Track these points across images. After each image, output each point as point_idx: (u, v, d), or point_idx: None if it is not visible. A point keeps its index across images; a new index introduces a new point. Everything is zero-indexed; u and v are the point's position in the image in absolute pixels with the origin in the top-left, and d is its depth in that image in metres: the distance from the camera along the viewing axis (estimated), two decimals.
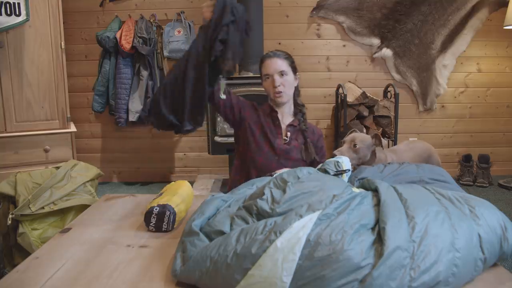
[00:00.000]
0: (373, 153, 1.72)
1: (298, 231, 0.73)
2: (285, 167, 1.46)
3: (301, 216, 0.76)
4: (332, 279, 0.67)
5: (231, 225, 0.85)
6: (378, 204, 0.83)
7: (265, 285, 0.69)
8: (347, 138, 1.73)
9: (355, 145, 1.67)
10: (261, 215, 0.85)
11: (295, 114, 1.67)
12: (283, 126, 1.62)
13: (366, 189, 0.97)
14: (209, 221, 0.88)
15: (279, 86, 1.57)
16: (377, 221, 0.77)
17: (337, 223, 0.74)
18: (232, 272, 0.72)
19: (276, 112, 1.62)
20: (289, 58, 1.62)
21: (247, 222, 0.84)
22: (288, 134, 1.62)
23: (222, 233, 0.83)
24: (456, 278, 0.72)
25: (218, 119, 2.88)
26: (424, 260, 0.70)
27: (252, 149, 1.56)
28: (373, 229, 0.76)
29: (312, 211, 0.78)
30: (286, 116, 1.65)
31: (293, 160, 1.57)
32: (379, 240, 0.72)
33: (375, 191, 0.91)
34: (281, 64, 1.59)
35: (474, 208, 0.86)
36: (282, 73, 1.58)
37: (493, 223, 0.83)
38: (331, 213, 0.77)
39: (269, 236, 0.73)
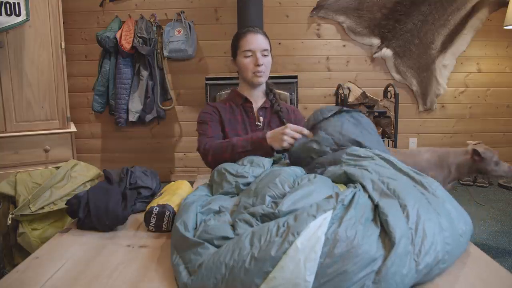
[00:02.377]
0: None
1: (316, 230, 0.74)
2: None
3: (314, 216, 0.77)
4: (353, 273, 0.69)
5: (234, 229, 0.85)
6: (369, 197, 0.86)
7: (288, 286, 0.69)
8: (495, 153, 2.02)
9: None
10: (266, 216, 0.85)
11: (266, 95, 1.58)
12: (255, 111, 1.54)
13: (350, 181, 0.98)
14: (205, 229, 0.86)
15: (262, 65, 1.45)
16: (375, 214, 0.81)
17: (347, 219, 0.76)
18: (252, 276, 0.71)
19: (250, 102, 1.53)
20: (268, 38, 1.53)
21: (251, 225, 0.84)
22: (261, 119, 1.53)
23: (227, 238, 0.82)
24: (449, 255, 0.79)
25: None
26: (423, 244, 0.75)
27: None
28: (374, 221, 0.80)
29: (323, 211, 0.78)
30: (257, 99, 1.56)
31: None
32: (383, 231, 0.76)
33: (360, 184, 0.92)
34: (265, 42, 1.48)
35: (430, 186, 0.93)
36: (264, 52, 1.47)
37: (449, 196, 0.91)
38: (340, 211, 0.80)
39: (286, 238, 0.73)
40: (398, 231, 0.74)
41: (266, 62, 1.48)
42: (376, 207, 0.82)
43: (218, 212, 0.95)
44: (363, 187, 0.89)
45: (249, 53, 1.46)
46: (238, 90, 1.58)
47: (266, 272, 0.71)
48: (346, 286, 0.68)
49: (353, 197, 0.84)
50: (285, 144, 1.20)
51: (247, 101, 1.54)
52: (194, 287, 0.75)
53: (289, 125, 1.23)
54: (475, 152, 2.00)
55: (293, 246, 0.72)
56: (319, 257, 0.71)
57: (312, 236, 0.73)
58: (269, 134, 1.26)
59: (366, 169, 0.97)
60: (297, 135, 1.20)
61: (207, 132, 1.45)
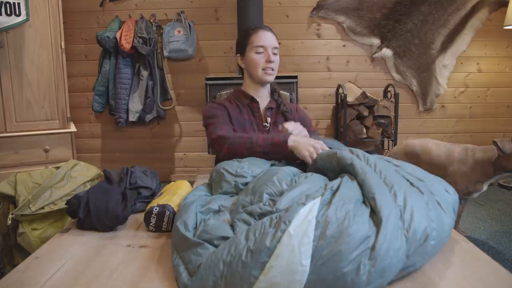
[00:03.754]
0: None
1: (306, 215, 0.76)
2: None
3: (304, 204, 0.79)
4: (348, 252, 0.71)
5: (233, 229, 0.85)
6: (355, 179, 0.90)
7: (286, 273, 0.70)
8: None
9: None
10: (263, 215, 0.86)
11: (271, 95, 1.56)
12: (262, 111, 1.50)
13: (340, 167, 1.00)
14: (205, 229, 0.87)
15: (273, 62, 1.43)
16: (363, 195, 0.84)
17: (336, 201, 0.79)
18: (250, 269, 0.72)
19: (257, 102, 1.50)
20: (277, 37, 1.52)
21: (249, 224, 0.85)
22: (268, 119, 1.50)
23: (226, 238, 0.83)
24: (437, 232, 0.82)
25: None
26: (412, 220, 0.78)
27: None
28: (363, 202, 0.83)
29: (312, 198, 0.81)
30: (264, 99, 1.53)
31: None
32: (372, 210, 0.79)
33: (350, 168, 0.94)
34: (276, 40, 1.46)
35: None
36: (275, 50, 1.45)
37: (427, 175, 0.97)
38: (329, 196, 0.82)
39: (279, 227, 0.75)
40: (386, 208, 0.78)
41: (276, 60, 1.46)
42: (363, 187, 0.86)
43: (218, 212, 0.96)
44: (353, 167, 0.92)
45: (261, 49, 1.43)
46: (243, 89, 1.55)
47: (263, 262, 0.71)
48: (343, 266, 0.70)
49: (340, 182, 0.87)
50: (307, 158, 1.14)
51: (253, 101, 1.51)
52: (195, 286, 0.76)
53: (320, 142, 1.16)
54: (494, 144, 1.86)
55: (286, 234, 0.73)
56: (312, 240, 0.72)
57: (303, 222, 0.75)
58: (293, 139, 1.19)
59: (357, 155, 1.00)
60: (319, 152, 1.13)
61: (219, 122, 1.38)
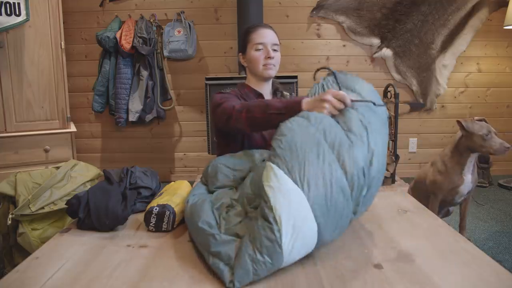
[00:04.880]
0: None
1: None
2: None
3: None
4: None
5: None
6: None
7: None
8: (489, 128, 1.91)
9: (496, 134, 1.89)
10: None
11: (274, 93, 1.59)
12: None
13: None
14: (229, 226, 0.92)
15: (273, 58, 1.46)
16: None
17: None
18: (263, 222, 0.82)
19: (262, 95, 1.52)
20: (277, 34, 1.55)
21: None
22: None
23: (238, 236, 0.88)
24: (383, 167, 0.95)
25: None
26: (379, 157, 0.91)
27: (241, 143, 1.44)
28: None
29: None
30: (267, 96, 1.55)
31: None
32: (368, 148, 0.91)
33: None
34: (275, 37, 1.50)
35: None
36: (275, 47, 1.49)
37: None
38: None
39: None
40: (374, 144, 0.92)
41: (276, 56, 1.49)
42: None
43: (232, 206, 0.99)
44: None
45: (261, 46, 1.46)
46: (248, 85, 1.54)
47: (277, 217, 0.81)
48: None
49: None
50: (325, 113, 1.03)
51: (260, 96, 1.53)
52: (240, 280, 0.79)
53: (331, 91, 1.06)
54: (458, 123, 1.94)
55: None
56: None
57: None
58: (306, 100, 1.12)
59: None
60: (340, 105, 1.02)
61: (232, 99, 1.37)
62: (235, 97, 1.42)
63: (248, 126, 1.22)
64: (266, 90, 1.55)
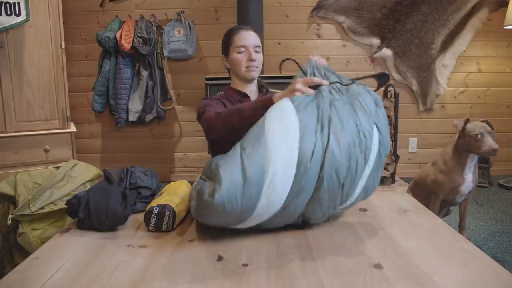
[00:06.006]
0: None
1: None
2: None
3: None
4: None
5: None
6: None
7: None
8: (484, 130, 1.90)
9: (493, 135, 1.89)
10: None
11: (259, 90, 1.61)
12: None
13: None
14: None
15: (255, 60, 1.48)
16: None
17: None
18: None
19: (248, 96, 1.54)
20: (259, 36, 1.55)
21: None
22: None
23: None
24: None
25: None
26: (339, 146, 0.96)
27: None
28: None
29: None
30: (252, 94, 1.57)
31: None
32: None
33: None
34: (257, 39, 1.51)
35: None
36: (257, 48, 1.50)
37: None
38: None
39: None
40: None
41: (258, 58, 1.50)
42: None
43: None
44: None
45: (243, 49, 1.48)
46: (234, 87, 1.58)
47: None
48: None
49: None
50: (297, 92, 1.10)
51: (245, 96, 1.55)
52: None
53: (299, 79, 1.12)
54: (454, 125, 1.99)
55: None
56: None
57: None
58: (277, 95, 1.18)
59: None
60: (310, 91, 1.09)
61: (213, 106, 1.41)
62: (216, 103, 1.45)
63: (228, 133, 1.26)
64: (250, 90, 1.57)
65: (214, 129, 1.31)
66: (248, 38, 1.48)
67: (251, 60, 1.47)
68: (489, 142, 1.88)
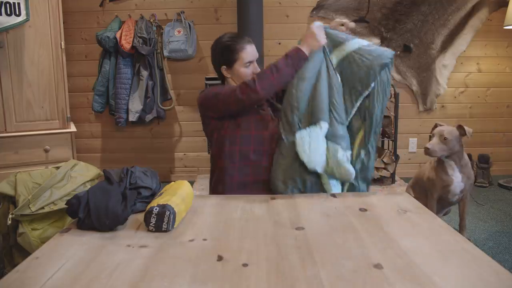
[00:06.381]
0: (461, 143, 1.99)
1: None
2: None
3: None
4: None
5: None
6: None
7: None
8: (435, 131, 1.97)
9: (445, 138, 1.83)
10: None
11: None
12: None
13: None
14: None
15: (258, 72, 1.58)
16: None
17: None
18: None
19: None
20: None
21: None
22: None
23: None
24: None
25: None
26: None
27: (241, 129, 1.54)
28: None
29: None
30: None
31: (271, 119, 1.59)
32: None
33: None
34: (256, 50, 1.62)
35: None
36: (257, 60, 1.62)
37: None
38: None
39: None
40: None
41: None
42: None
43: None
44: None
45: (249, 64, 1.58)
46: None
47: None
48: None
49: None
50: (323, 42, 1.45)
51: None
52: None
53: (313, 25, 1.45)
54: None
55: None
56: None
57: None
58: (301, 43, 1.46)
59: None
60: (322, 32, 1.45)
61: (223, 87, 1.52)
62: (222, 87, 1.56)
63: (264, 93, 1.42)
64: None
65: (245, 94, 1.42)
66: (254, 53, 1.58)
67: (256, 73, 1.55)
68: (429, 142, 1.97)
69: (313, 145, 1.39)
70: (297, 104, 1.44)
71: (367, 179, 1.48)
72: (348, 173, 1.40)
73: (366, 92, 1.42)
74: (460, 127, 1.99)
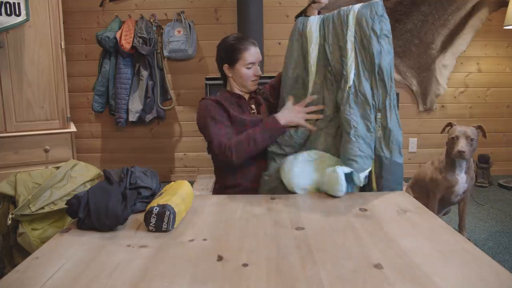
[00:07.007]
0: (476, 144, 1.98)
1: None
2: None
3: None
4: None
5: None
6: None
7: None
8: (459, 133, 1.94)
9: (471, 139, 1.85)
10: None
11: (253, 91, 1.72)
12: (247, 102, 1.68)
13: None
14: None
15: (260, 75, 1.63)
16: None
17: None
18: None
19: (244, 98, 1.65)
20: None
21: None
22: (253, 106, 1.68)
23: None
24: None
25: None
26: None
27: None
28: None
29: None
30: (246, 95, 1.69)
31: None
32: None
33: None
34: (260, 53, 1.64)
35: None
36: (259, 63, 1.64)
37: None
38: None
39: None
40: None
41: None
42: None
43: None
44: None
45: (251, 65, 1.60)
46: (230, 90, 1.68)
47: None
48: None
49: None
50: (305, 124, 1.50)
51: (241, 98, 1.65)
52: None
53: (292, 107, 1.53)
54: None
55: None
56: None
57: None
58: (280, 116, 1.51)
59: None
60: (312, 108, 1.52)
61: (220, 131, 1.50)
62: (219, 115, 1.53)
63: (238, 161, 1.46)
64: (245, 93, 1.69)
65: (227, 159, 1.46)
66: (257, 55, 1.60)
67: (257, 75, 1.61)
68: (461, 145, 1.91)
69: (295, 169, 1.40)
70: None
71: (391, 147, 1.58)
72: (337, 189, 1.31)
73: (349, 33, 1.57)
74: (480, 128, 2.00)
